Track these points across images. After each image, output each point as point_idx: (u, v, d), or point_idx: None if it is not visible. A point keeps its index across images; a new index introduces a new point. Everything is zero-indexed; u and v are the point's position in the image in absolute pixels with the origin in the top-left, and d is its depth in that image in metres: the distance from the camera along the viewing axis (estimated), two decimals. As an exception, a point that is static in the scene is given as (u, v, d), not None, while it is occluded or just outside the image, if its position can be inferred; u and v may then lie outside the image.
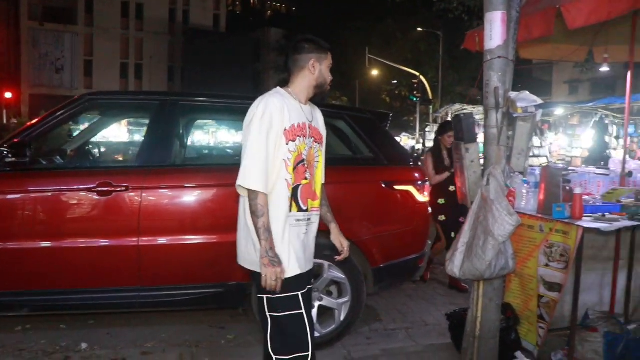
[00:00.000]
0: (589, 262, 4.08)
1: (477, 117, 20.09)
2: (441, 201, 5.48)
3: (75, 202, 3.69)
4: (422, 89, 30.85)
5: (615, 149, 15.62)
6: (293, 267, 2.52)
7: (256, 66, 55.21)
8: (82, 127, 4.81)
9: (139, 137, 22.21)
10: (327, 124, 2.87)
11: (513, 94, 3.33)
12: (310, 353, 2.51)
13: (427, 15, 33.39)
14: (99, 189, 3.66)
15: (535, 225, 3.60)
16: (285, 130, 2.51)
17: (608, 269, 4.17)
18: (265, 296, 2.51)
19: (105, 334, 4.13)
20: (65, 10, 46.63)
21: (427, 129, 23.36)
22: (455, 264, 3.26)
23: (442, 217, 5.52)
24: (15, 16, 43.64)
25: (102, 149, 6.99)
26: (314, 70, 2.61)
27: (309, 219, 2.65)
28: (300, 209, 2.59)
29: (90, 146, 5.04)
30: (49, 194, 3.67)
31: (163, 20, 50.48)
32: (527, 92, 3.36)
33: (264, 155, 2.46)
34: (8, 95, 33.12)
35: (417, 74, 30.09)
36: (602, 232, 3.47)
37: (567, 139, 18.33)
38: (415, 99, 30.73)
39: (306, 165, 2.62)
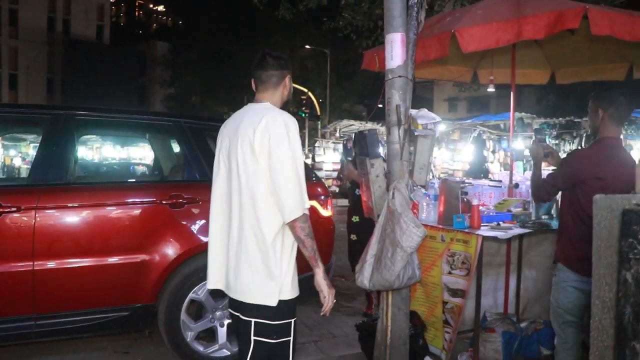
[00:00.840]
0: (485, 268, 4.36)
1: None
2: (355, 219, 5.12)
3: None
4: (311, 105, 31.43)
5: (492, 162, 16.81)
6: (296, 289, 2.41)
7: (142, 80, 53.54)
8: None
9: (16, 153, 20.71)
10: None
11: (414, 112, 3.50)
12: None
13: (313, 33, 34.15)
14: (-14, 209, 3.37)
15: (436, 235, 3.79)
16: None
17: (501, 273, 4.48)
18: (264, 321, 2.32)
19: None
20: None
21: (316, 145, 23.75)
22: (365, 276, 3.34)
23: (353, 237, 5.15)
24: None
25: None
26: (287, 85, 2.55)
27: None
28: None
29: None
30: None
31: (41, 28, 47.63)
32: (426, 110, 3.56)
33: (298, 176, 2.33)
34: None
35: (306, 90, 30.62)
36: (498, 240, 3.73)
37: (449, 153, 19.48)
38: (303, 115, 31.19)
39: None
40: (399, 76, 3.42)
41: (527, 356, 3.95)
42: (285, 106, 2.58)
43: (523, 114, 16.19)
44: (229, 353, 3.83)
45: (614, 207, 1.32)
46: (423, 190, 3.66)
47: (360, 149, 3.64)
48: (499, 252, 4.46)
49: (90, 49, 47.11)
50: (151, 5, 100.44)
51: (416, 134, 3.40)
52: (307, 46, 34.89)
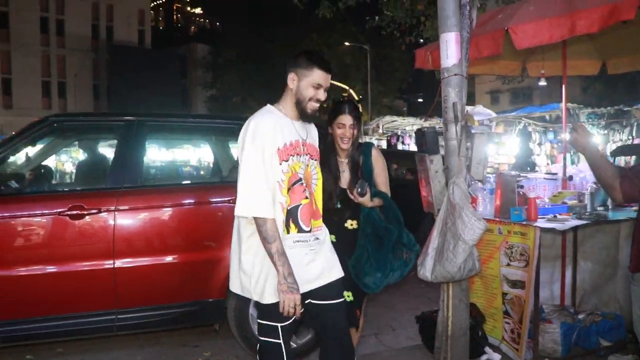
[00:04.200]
0: (541, 261, 4.42)
1: (407, 128, 20.89)
2: (332, 240, 3.60)
3: (46, 226, 3.65)
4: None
5: (538, 155, 16.59)
6: (267, 294, 2.48)
7: (183, 82, 54.57)
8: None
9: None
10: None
11: (470, 108, 3.62)
12: None
13: (350, 29, 34.15)
14: (70, 212, 3.64)
15: (494, 228, 3.88)
16: (278, 149, 2.47)
17: (557, 265, 4.52)
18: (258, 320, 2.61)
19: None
20: (-22, 27, 44.60)
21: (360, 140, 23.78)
22: (427, 268, 3.47)
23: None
24: None
25: (71, 171, 6.81)
26: (293, 85, 2.56)
27: (316, 239, 2.62)
28: (301, 230, 2.55)
29: (59, 169, 4.94)
30: (20, 219, 3.61)
31: (86, 36, 49.03)
32: (482, 106, 3.66)
33: (264, 179, 2.42)
34: None
35: (346, 87, 30.71)
36: (553, 232, 3.80)
37: (494, 146, 19.31)
38: (345, 112, 31.26)
39: (304, 184, 2.56)
40: (455, 74, 3.52)
41: (586, 347, 3.99)
42: (301, 108, 2.57)
43: (569, 104, 15.92)
44: (295, 345, 4.01)
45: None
46: (481, 185, 3.76)
47: (419, 146, 3.76)
48: (554, 245, 4.50)
49: (133, 54, 48.30)
50: (189, 9, 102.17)
51: (472, 131, 3.51)
52: (346, 43, 34.93)
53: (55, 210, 3.64)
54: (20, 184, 4.19)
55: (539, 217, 3.76)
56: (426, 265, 3.48)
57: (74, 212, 3.64)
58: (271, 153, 2.45)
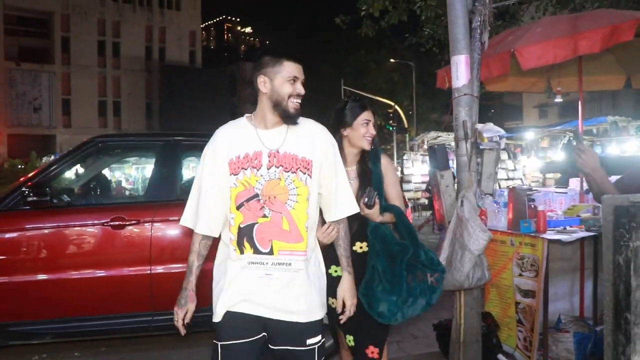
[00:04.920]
0: (560, 273, 4.54)
1: (452, 143, 20.90)
2: (335, 271, 2.83)
3: (91, 235, 4.05)
4: (398, 118, 31.67)
5: (585, 169, 16.31)
6: (217, 312, 2.37)
7: (233, 100, 55.88)
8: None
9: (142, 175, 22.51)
10: None
11: (479, 126, 3.82)
12: None
13: (398, 46, 34.36)
14: (113, 223, 4.03)
15: (506, 240, 4.06)
16: (230, 161, 2.30)
17: (576, 278, 4.63)
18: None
19: (119, 359, 4.45)
20: (42, 50, 46.96)
21: (404, 157, 23.94)
22: (437, 277, 3.67)
23: (332, 302, 2.71)
24: (-8, 57, 43.86)
25: (112, 186, 7.34)
26: (266, 89, 2.31)
27: (281, 264, 2.27)
28: (257, 251, 2.27)
29: (102, 184, 5.40)
30: (69, 228, 4.03)
31: (139, 57, 51.00)
32: (492, 124, 3.86)
33: (197, 191, 2.38)
34: (-14, 137, 33.19)
35: (392, 103, 30.91)
36: (565, 243, 3.94)
37: (539, 161, 19.08)
38: (391, 128, 31.44)
39: (263, 201, 2.26)
40: (465, 94, 3.75)
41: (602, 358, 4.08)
42: (283, 109, 2.30)
43: (617, 117, 15.67)
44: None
45: (612, 204, 1.64)
46: (492, 198, 3.95)
47: (431, 162, 3.99)
48: (574, 257, 4.61)
49: (184, 74, 49.87)
50: (239, 28, 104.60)
51: (481, 147, 3.71)
52: (392, 60, 35.18)
53: (100, 221, 4.03)
54: (70, 198, 4.63)
55: (550, 229, 3.91)
56: (437, 274, 3.68)
57: (116, 222, 4.03)
58: (222, 166, 2.31)
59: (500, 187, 10.55)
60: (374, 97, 31.92)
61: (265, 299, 2.29)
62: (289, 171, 2.29)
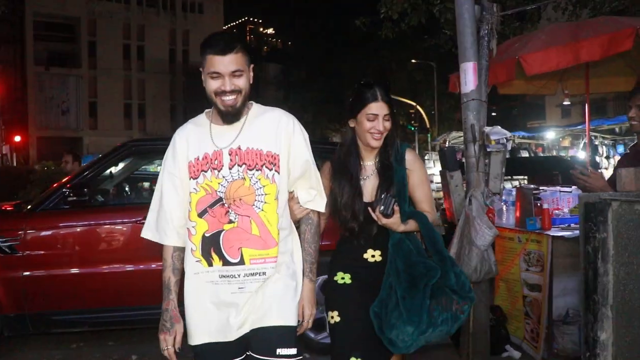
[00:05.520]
0: (569, 269, 4.73)
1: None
2: (342, 278, 2.55)
3: (124, 232, 4.38)
4: (419, 118, 31.77)
5: (606, 169, 16.35)
6: (191, 335, 2.16)
7: (256, 101, 56.34)
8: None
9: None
10: None
11: (487, 129, 4.04)
12: None
13: (420, 46, 34.44)
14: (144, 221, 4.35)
15: (514, 237, 4.28)
16: (189, 164, 2.11)
17: (582, 273, 4.82)
18: None
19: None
20: (69, 54, 48.03)
21: (426, 157, 24.08)
22: (447, 271, 3.91)
23: (332, 316, 2.52)
24: (22, 62, 44.98)
25: (143, 187, 7.72)
26: (204, 81, 2.09)
27: (252, 274, 2.06)
28: (227, 262, 2.05)
29: (133, 185, 5.75)
30: (105, 226, 4.36)
31: (163, 60, 51.81)
32: (499, 127, 4.08)
33: (158, 199, 2.16)
34: (17, 138, 34.06)
35: (414, 103, 31.02)
36: (570, 240, 4.14)
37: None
38: (412, 129, 31.56)
39: (227, 205, 2.06)
40: (473, 99, 3.99)
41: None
42: (214, 104, 2.12)
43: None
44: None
45: (583, 200, 1.89)
46: (499, 197, 4.17)
47: (441, 163, 4.22)
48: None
49: (207, 76, 50.56)
50: (261, 29, 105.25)
51: (488, 149, 3.94)
52: (413, 60, 35.25)
53: (132, 220, 4.36)
54: (105, 198, 4.98)
55: (555, 226, 4.12)
56: (447, 269, 3.92)
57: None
58: (182, 170, 2.12)
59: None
60: (396, 97, 32.09)
61: (242, 316, 2.08)
62: (253, 169, 2.07)
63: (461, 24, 4.03)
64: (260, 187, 2.08)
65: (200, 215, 2.08)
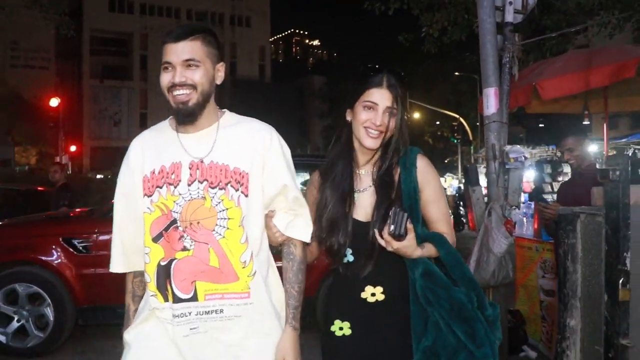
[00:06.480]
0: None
1: (528, 155, 21.03)
2: (340, 329, 2.00)
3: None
4: (462, 131, 31.85)
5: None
6: None
7: (301, 113, 57.30)
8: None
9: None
10: None
11: (507, 148, 4.45)
12: None
13: (463, 58, 34.52)
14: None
15: (532, 246, 4.67)
16: (143, 180, 1.79)
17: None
18: None
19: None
20: (122, 68, 50.03)
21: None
22: (469, 276, 4.34)
23: None
24: (79, 75, 47.20)
25: None
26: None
27: (207, 312, 1.72)
28: (177, 299, 1.71)
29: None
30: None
31: (212, 73, 53.29)
32: (518, 146, 4.50)
33: (118, 223, 1.85)
34: (73, 148, 35.69)
35: (457, 116, 31.15)
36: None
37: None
38: (455, 141, 31.66)
39: (182, 229, 1.71)
40: (494, 121, 4.41)
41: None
42: (177, 110, 1.79)
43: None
44: None
45: (559, 212, 2.33)
46: (518, 210, 4.57)
47: (465, 179, 4.65)
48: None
49: (253, 87, 51.62)
50: (307, 41, 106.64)
51: (507, 167, 4.35)
52: (456, 73, 35.38)
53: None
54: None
55: (570, 237, 4.49)
56: (468, 274, 4.34)
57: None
58: (136, 186, 1.81)
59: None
60: (439, 109, 32.26)
61: None
62: (215, 187, 1.72)
63: (484, 53, 4.46)
64: (223, 210, 1.72)
65: (155, 240, 1.74)
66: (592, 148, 18.32)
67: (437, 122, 38.13)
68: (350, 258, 1.96)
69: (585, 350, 2.22)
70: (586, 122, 6.14)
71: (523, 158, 4.43)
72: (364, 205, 1.97)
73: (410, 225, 1.77)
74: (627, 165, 2.02)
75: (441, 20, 10.82)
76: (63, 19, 13.43)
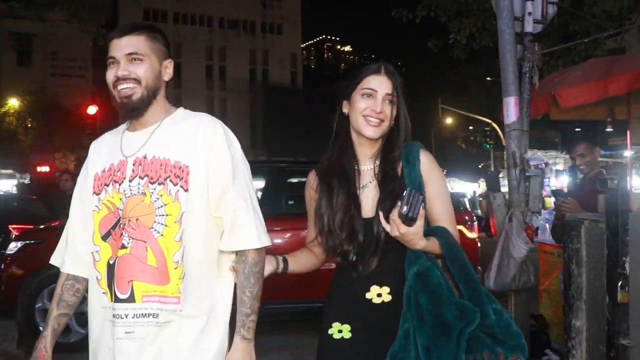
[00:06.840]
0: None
1: (550, 161, 20.86)
2: (338, 331, 1.88)
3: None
4: (495, 136, 31.61)
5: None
6: None
7: (327, 118, 57.50)
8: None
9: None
10: None
11: (527, 155, 4.57)
12: None
13: (495, 63, 34.18)
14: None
15: (554, 252, 4.76)
16: (94, 178, 1.79)
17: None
18: None
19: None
20: (157, 75, 51.12)
21: (500, 175, 23.98)
22: (491, 280, 4.45)
23: None
24: (115, 84, 48.39)
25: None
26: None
27: (143, 315, 1.64)
28: (117, 299, 1.66)
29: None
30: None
31: (244, 79, 54.01)
32: (539, 153, 4.62)
33: (68, 223, 1.87)
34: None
35: (489, 120, 30.95)
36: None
37: (638, 178, 18.63)
38: (488, 146, 31.45)
39: (123, 226, 1.68)
40: (514, 129, 4.53)
41: None
42: (122, 109, 1.79)
43: None
44: None
45: (567, 219, 2.46)
46: (539, 216, 4.68)
47: (486, 186, 4.78)
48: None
49: (285, 94, 52.05)
50: (338, 47, 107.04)
51: (527, 174, 4.45)
52: (488, 78, 35.13)
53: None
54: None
55: (591, 243, 4.57)
56: (490, 277, 4.46)
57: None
58: (88, 184, 1.81)
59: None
60: (471, 114, 32.09)
61: None
62: (155, 182, 1.68)
63: (504, 63, 4.59)
64: (162, 206, 1.67)
65: (104, 238, 1.71)
66: (628, 153, 18.11)
67: (470, 127, 37.86)
68: (353, 256, 1.85)
69: (590, 349, 2.34)
70: (609, 129, 6.15)
71: (543, 165, 4.53)
72: (365, 201, 1.88)
73: (422, 211, 1.63)
74: (625, 174, 2.15)
75: (469, 26, 10.86)
76: (100, 31, 13.90)
